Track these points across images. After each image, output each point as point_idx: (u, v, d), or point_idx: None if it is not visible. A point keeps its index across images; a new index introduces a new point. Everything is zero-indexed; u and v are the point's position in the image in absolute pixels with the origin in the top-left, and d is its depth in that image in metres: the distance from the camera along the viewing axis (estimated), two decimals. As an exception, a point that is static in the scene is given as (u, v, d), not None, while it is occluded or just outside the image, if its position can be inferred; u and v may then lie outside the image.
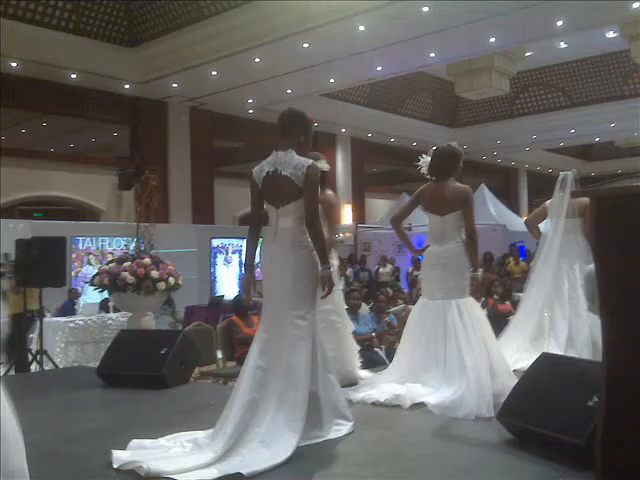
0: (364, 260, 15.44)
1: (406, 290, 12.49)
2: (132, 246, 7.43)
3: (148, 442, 3.44)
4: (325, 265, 3.56)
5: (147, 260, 7.02)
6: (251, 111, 15.22)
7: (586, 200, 4.86)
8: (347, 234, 16.65)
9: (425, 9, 9.86)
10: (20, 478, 1.85)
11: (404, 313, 7.85)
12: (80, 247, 11.52)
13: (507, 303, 8.34)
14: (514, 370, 4.62)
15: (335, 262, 4.95)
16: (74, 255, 11.29)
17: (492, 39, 11.55)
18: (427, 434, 3.74)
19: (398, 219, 4.98)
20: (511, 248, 14.14)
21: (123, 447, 3.35)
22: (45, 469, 3.01)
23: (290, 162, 3.52)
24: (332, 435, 3.55)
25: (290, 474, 3.08)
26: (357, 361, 5.10)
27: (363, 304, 7.92)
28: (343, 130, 17.90)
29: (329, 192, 5.01)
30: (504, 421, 3.54)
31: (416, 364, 4.56)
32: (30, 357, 7.31)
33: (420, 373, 4.50)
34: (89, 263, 11.50)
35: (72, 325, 8.11)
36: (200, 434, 3.47)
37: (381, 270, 14.85)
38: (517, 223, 16.06)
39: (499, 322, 6.14)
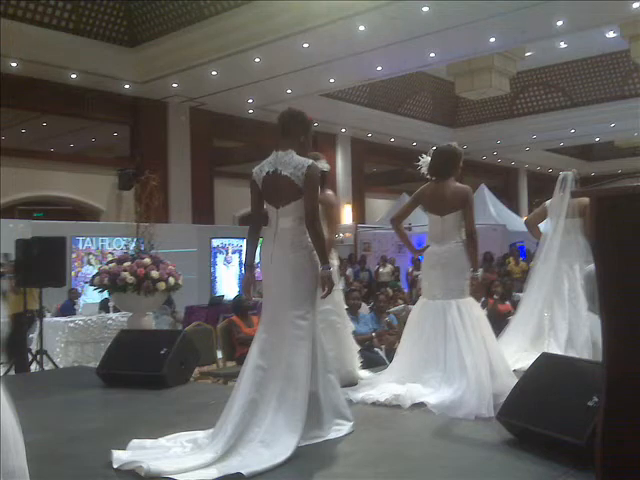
0: (364, 260, 15.45)
1: (406, 290, 12.50)
2: (132, 246, 7.43)
3: (148, 442, 3.45)
4: (325, 265, 3.55)
5: (147, 260, 7.03)
6: (251, 111, 15.23)
7: (586, 200, 4.87)
8: (347, 234, 16.65)
9: (425, 9, 9.87)
10: (20, 478, 1.85)
11: (404, 313, 7.85)
12: (80, 247, 11.54)
13: (507, 303, 8.34)
14: (514, 370, 4.61)
15: (335, 262, 4.96)
16: (74, 255, 11.31)
17: (492, 39, 11.55)
18: (427, 434, 3.74)
19: (398, 219, 4.98)
20: (511, 248, 14.18)
21: (123, 447, 3.35)
22: (45, 469, 3.01)
23: (290, 162, 3.52)
24: (332, 435, 3.55)
25: (290, 474, 3.08)
26: (357, 361, 5.10)
27: (363, 304, 7.92)
28: (343, 130, 17.89)
29: (329, 192, 5.01)
30: (504, 421, 3.54)
31: (416, 364, 4.56)
32: (30, 357, 7.32)
33: (420, 373, 4.49)
34: (89, 263, 11.51)
35: (72, 325, 8.12)
36: (200, 434, 3.47)
37: (381, 270, 14.85)
38: (517, 223, 16.08)
39: (499, 322, 6.15)
